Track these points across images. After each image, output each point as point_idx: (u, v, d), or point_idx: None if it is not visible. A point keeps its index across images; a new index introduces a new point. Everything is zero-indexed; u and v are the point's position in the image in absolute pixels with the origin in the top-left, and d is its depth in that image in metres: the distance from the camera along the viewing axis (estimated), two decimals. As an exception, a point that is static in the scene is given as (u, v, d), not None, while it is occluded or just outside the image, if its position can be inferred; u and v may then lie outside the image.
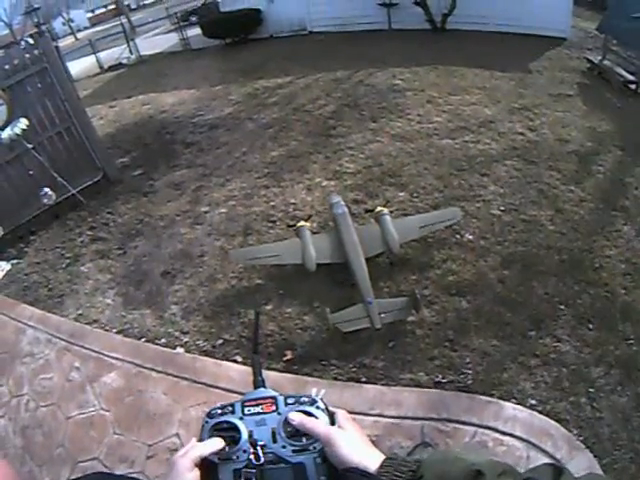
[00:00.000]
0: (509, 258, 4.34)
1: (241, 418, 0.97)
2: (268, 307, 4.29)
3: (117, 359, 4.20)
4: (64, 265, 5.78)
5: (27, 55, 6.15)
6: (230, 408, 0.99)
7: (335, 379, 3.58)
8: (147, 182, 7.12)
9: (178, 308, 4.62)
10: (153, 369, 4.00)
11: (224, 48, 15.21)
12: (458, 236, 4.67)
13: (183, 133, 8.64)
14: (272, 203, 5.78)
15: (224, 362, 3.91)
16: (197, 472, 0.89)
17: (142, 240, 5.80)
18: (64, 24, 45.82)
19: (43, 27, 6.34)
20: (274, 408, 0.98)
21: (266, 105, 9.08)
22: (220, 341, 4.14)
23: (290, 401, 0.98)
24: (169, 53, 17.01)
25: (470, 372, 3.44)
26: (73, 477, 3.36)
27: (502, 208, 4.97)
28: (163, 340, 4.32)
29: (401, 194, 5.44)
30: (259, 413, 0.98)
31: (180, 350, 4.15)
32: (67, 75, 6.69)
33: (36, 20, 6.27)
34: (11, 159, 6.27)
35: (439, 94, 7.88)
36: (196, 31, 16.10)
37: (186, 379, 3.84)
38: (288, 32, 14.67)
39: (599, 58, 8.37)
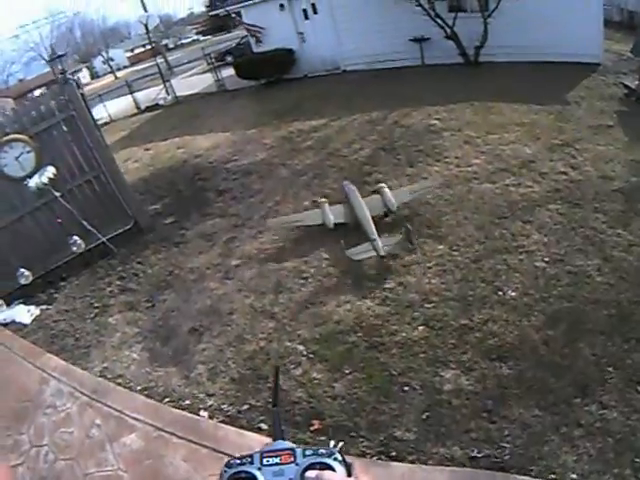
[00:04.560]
0: (554, 316, 4.21)
1: (259, 468, 0.99)
2: (297, 372, 4.30)
3: (138, 420, 4.25)
4: (92, 315, 5.99)
5: (53, 102, 6.55)
6: (249, 459, 1.01)
7: (363, 453, 3.53)
8: (179, 231, 7.35)
9: (204, 368, 4.68)
10: (174, 434, 4.03)
11: (259, 89, 15.74)
12: (500, 293, 4.57)
13: (216, 180, 8.93)
14: (305, 258, 5.84)
15: (247, 432, 3.92)
16: None
17: (171, 293, 5.96)
18: (104, 63, 48.48)
19: (68, 75, 6.71)
20: (292, 459, 1.00)
21: (300, 150, 9.32)
22: (246, 406, 4.15)
23: (308, 452, 1.01)
24: (205, 94, 17.71)
25: (508, 446, 3.33)
26: None
27: (546, 259, 4.86)
28: (187, 402, 4.37)
29: (440, 247, 5.41)
30: (277, 464, 1.00)
31: (204, 414, 4.19)
32: (94, 122, 7.05)
33: (60, 67, 6.72)
34: (41, 205, 6.64)
35: (477, 133, 7.90)
36: (231, 71, 16.72)
37: (207, 447, 3.84)
38: (322, 71, 15.15)
39: (636, 82, 8.31)
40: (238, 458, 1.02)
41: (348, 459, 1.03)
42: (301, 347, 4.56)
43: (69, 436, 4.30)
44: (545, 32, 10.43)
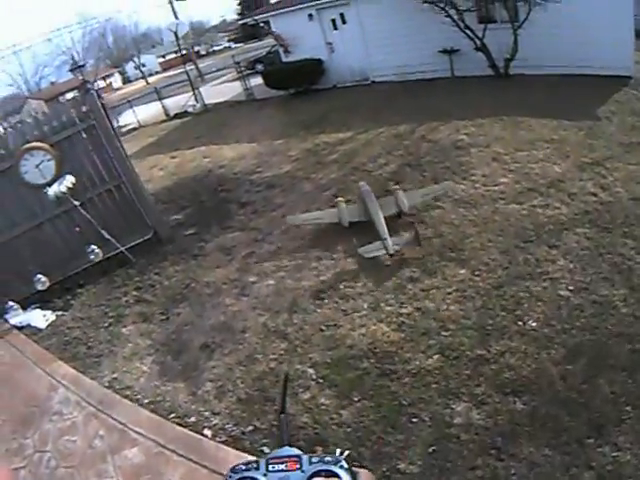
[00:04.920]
0: (575, 349, 4.09)
1: (265, 475, 1.03)
2: (305, 397, 4.30)
3: (141, 435, 4.33)
4: (106, 324, 6.12)
5: (74, 111, 6.77)
6: (255, 465, 1.05)
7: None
8: (198, 243, 7.47)
9: (212, 386, 4.72)
10: (175, 451, 4.08)
11: (287, 98, 15.92)
12: (520, 323, 4.48)
13: (239, 192, 9.06)
14: (322, 277, 5.86)
15: (248, 456, 3.89)
16: None
17: (186, 307, 6.04)
18: (136, 68, 49.74)
19: (89, 85, 6.94)
20: (298, 466, 1.04)
21: (325, 164, 9.39)
22: (250, 427, 4.17)
23: (314, 460, 1.05)
24: (233, 102, 18.01)
25: (514, 485, 3.27)
26: None
27: (571, 288, 4.74)
28: (192, 419, 4.41)
29: (461, 272, 5.34)
30: (283, 470, 1.04)
31: (208, 432, 4.23)
32: (114, 132, 7.21)
33: (81, 77, 6.96)
34: (60, 213, 6.87)
35: (505, 150, 7.83)
36: (261, 80, 16.89)
37: (206, 468, 3.87)
38: (351, 82, 15.29)
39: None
40: (244, 463, 1.06)
41: (354, 468, 1.05)
42: (311, 371, 4.56)
43: (72, 444, 4.42)
44: (576, 44, 10.40)
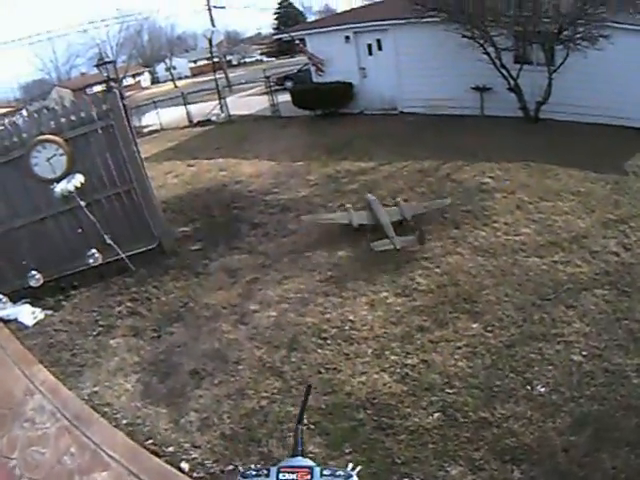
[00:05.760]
0: (581, 420, 3.96)
1: None
2: (292, 442, 4.14)
3: (113, 459, 4.19)
4: (95, 333, 6.05)
5: (94, 109, 6.80)
6: (265, 472, 1.12)
7: None
8: (202, 260, 7.41)
9: (197, 417, 4.59)
10: (146, 483, 3.96)
11: (313, 119, 16.06)
12: (529, 387, 4.36)
13: (252, 211, 9.04)
14: (327, 316, 5.74)
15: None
16: None
17: (180, 327, 5.96)
18: (166, 70, 50.85)
19: (112, 83, 6.93)
20: (309, 477, 1.10)
21: (344, 192, 9.34)
22: (231, 467, 4.02)
23: (326, 473, 1.11)
24: (258, 117, 18.20)
25: None
26: None
27: (584, 353, 4.63)
28: (171, 448, 4.28)
29: (474, 326, 5.23)
30: None
31: (185, 466, 4.09)
32: (132, 136, 7.21)
33: (106, 74, 6.98)
34: (65, 210, 6.85)
35: (530, 198, 7.82)
36: (288, 97, 17.05)
37: (176, 505, 3.76)
38: (379, 110, 15.38)
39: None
40: (254, 470, 1.13)
41: None
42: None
43: (40, 456, 4.31)
44: (611, 93, 10.53)
